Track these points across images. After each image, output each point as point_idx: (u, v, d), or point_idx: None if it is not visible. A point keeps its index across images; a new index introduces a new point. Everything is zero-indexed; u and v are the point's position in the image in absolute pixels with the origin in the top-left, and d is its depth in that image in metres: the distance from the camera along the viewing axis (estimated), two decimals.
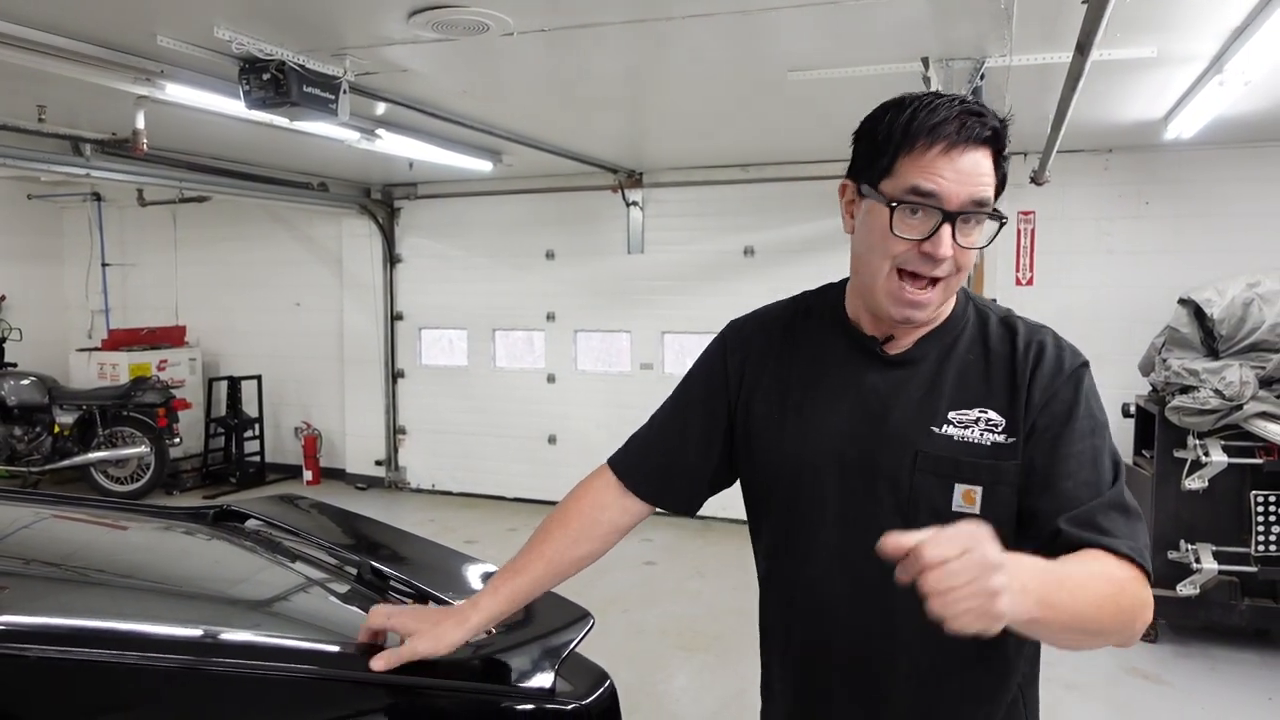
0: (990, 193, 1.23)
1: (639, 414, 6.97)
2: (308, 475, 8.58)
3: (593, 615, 1.80)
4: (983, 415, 1.28)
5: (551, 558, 1.54)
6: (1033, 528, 1.24)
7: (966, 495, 1.26)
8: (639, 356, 7.41)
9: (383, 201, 8.15)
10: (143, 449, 7.84)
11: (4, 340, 8.32)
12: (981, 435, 1.27)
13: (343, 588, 2.06)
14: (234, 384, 8.60)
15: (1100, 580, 1.13)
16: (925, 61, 3.23)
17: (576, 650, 1.76)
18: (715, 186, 6.98)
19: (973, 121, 1.22)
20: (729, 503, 6.09)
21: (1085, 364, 1.31)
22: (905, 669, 1.33)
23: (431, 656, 1.37)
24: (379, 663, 1.35)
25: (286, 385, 8.92)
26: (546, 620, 1.83)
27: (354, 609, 2.01)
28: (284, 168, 7.04)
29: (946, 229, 1.21)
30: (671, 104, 4.96)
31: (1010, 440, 1.26)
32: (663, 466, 1.58)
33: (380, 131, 5.07)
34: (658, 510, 1.63)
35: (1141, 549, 1.19)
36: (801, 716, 1.48)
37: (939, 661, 1.31)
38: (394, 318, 8.34)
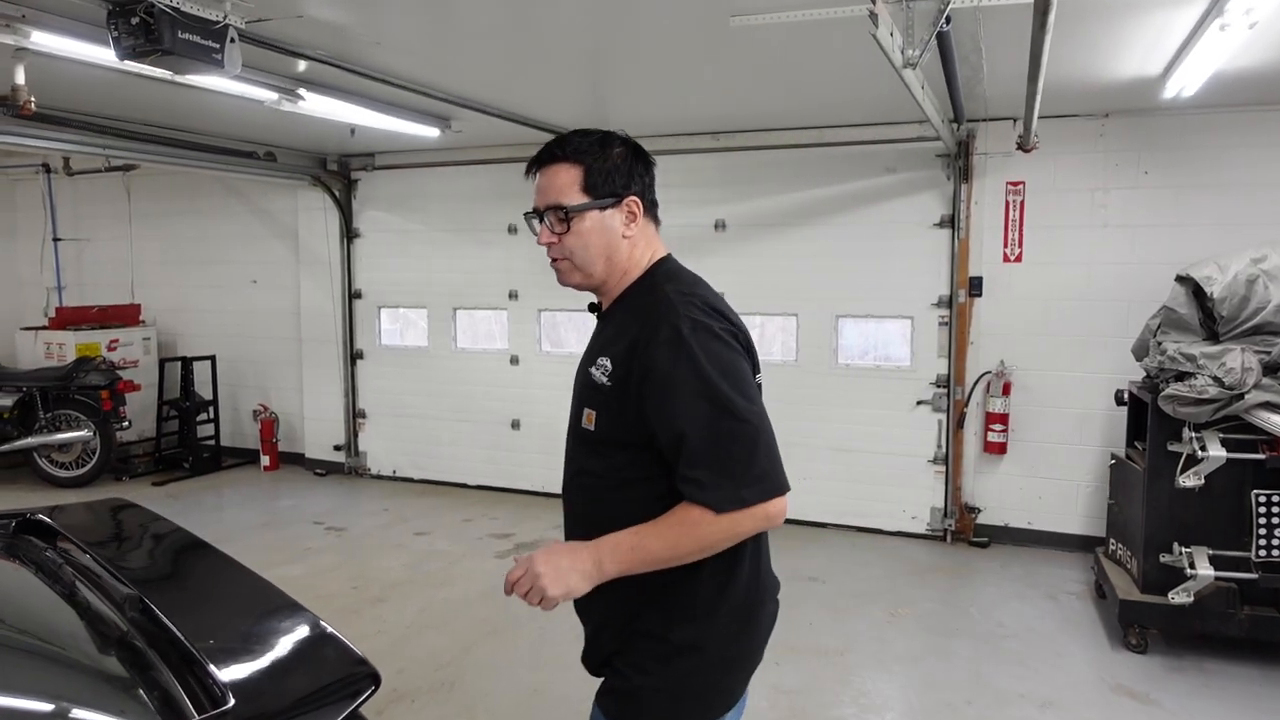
0: (563, 197, 1.72)
1: None
2: (265, 460, 8.21)
3: (379, 675, 1.40)
4: (607, 361, 1.69)
5: None
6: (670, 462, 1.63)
7: (589, 417, 1.72)
8: None
9: (339, 173, 7.71)
10: (86, 433, 7.48)
11: None
12: (601, 376, 1.69)
13: (107, 626, 1.67)
14: (186, 365, 8.21)
15: (675, 533, 1.58)
16: None
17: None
18: (684, 156, 6.52)
19: (543, 151, 1.77)
20: None
21: (682, 332, 1.60)
22: (588, 519, 1.75)
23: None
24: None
25: (244, 366, 8.53)
26: (319, 678, 1.43)
27: (93, 658, 1.62)
28: (222, 134, 6.59)
29: (541, 226, 1.76)
30: (619, 61, 4.52)
31: (610, 383, 1.67)
32: None
33: (302, 91, 4.63)
34: None
35: (719, 493, 1.55)
36: None
37: (589, 516, 1.75)
38: (352, 296, 7.92)
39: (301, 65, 4.30)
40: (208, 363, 8.37)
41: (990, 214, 5.84)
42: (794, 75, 4.62)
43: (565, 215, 1.71)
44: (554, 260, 1.79)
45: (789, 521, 6.80)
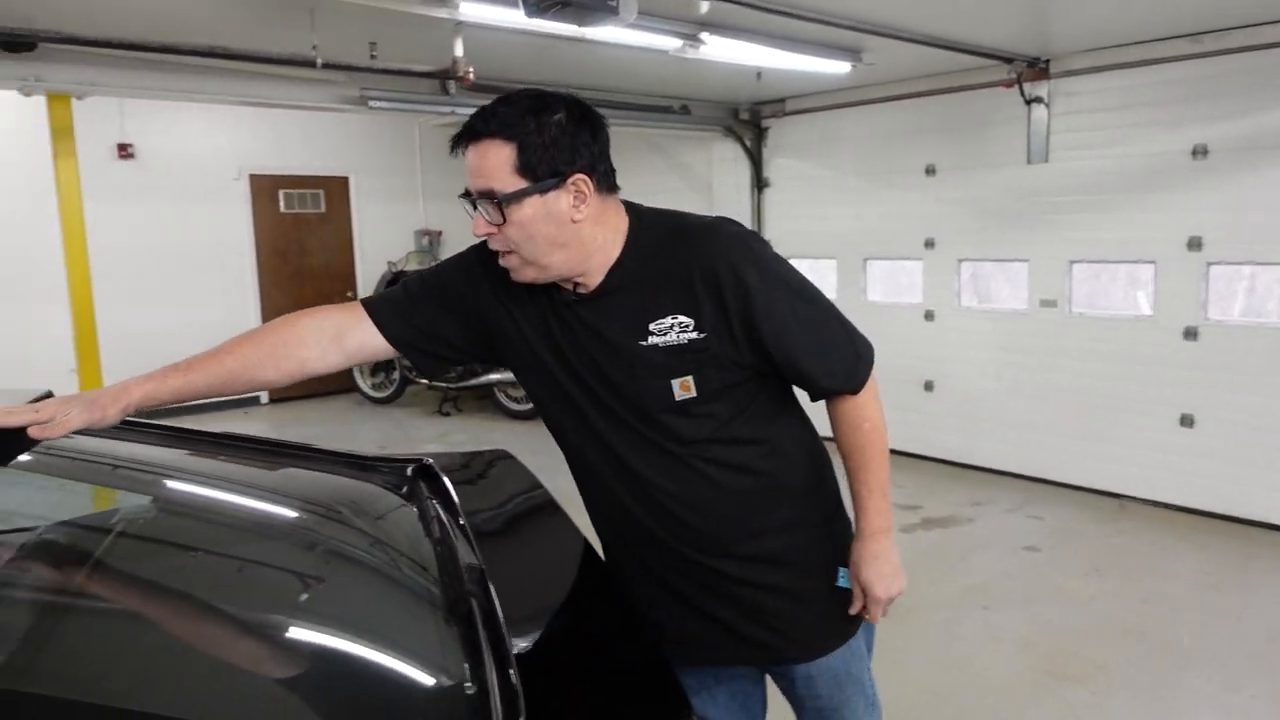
0: (494, 182, 1.45)
1: (1034, 359, 5.75)
2: None
3: (692, 709, 1.12)
4: (675, 321, 1.54)
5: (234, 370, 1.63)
6: (806, 388, 1.66)
7: (683, 385, 1.56)
8: (1038, 291, 6.03)
9: (750, 122, 7.61)
10: None
11: None
12: (679, 337, 1.54)
13: (454, 595, 1.61)
14: None
15: (871, 439, 1.64)
16: None
17: None
18: (1151, 68, 5.28)
19: (465, 125, 1.49)
20: (1153, 477, 4.61)
21: (749, 245, 1.56)
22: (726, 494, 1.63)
23: (89, 426, 1.44)
24: (36, 431, 1.38)
25: None
26: (623, 712, 1.18)
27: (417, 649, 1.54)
28: (637, 91, 6.81)
29: (477, 214, 1.50)
30: None
31: (702, 335, 1.53)
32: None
33: (704, 36, 4.49)
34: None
35: (851, 373, 1.62)
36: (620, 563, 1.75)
37: (693, 498, 1.61)
38: None
39: (704, 7, 4.14)
40: None
41: None
42: None
43: (499, 204, 1.45)
44: (499, 254, 1.54)
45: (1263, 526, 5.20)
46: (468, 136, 1.47)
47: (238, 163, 8.94)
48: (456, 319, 1.69)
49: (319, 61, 4.36)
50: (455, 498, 2.03)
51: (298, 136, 9.17)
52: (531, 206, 1.45)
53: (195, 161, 8.65)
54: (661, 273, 1.55)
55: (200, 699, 1.22)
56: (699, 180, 8.27)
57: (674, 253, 1.55)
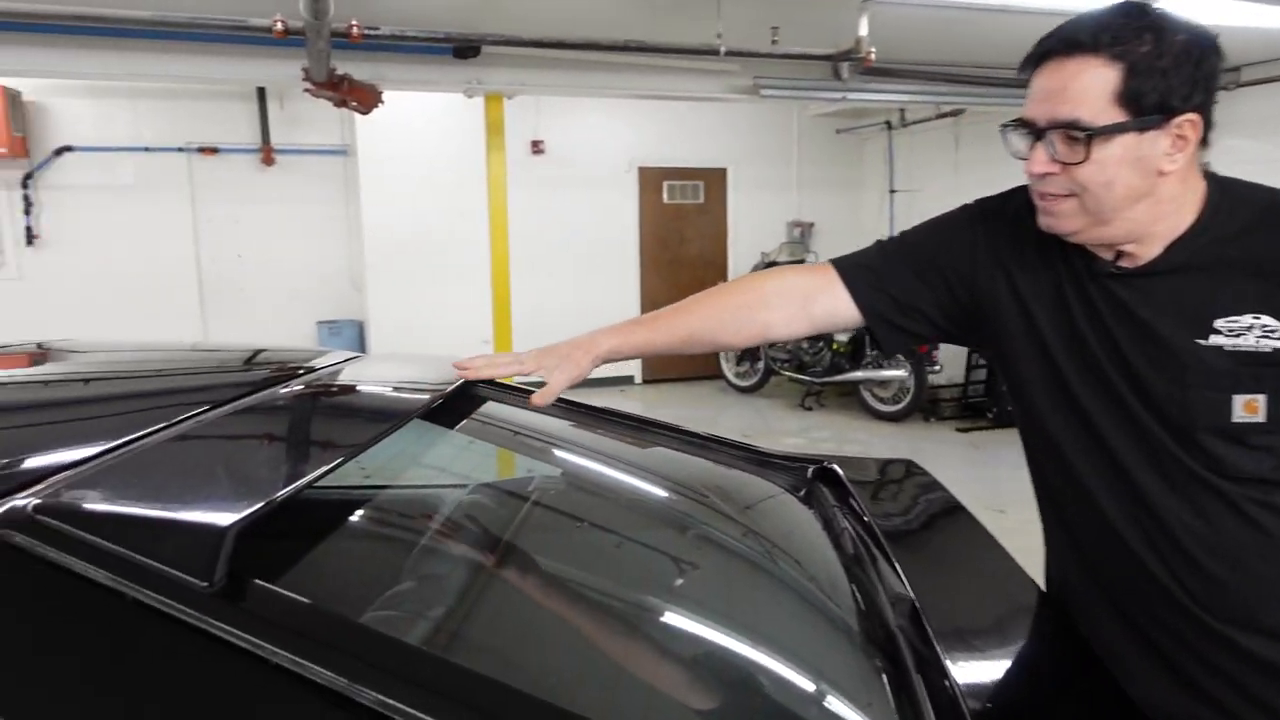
0: (1082, 110, 1.16)
1: None
2: None
3: None
4: (1256, 321, 1.21)
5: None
6: None
7: (1248, 405, 1.23)
8: None
9: None
10: (902, 373, 7.95)
11: (802, 262, 9.32)
12: (1258, 342, 1.20)
13: (874, 622, 1.43)
14: None
15: None
16: None
17: None
18: None
19: (1055, 36, 1.19)
20: None
21: None
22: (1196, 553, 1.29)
23: (570, 384, 1.47)
24: (538, 398, 1.47)
25: None
26: None
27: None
28: None
29: (1037, 148, 1.21)
30: None
31: None
32: None
33: None
34: None
35: None
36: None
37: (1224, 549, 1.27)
38: None
39: None
40: None
41: None
42: None
43: (1087, 138, 1.15)
44: (1046, 195, 1.23)
45: None
46: (1059, 49, 1.17)
47: (628, 156, 9.54)
48: (939, 289, 1.45)
49: (722, 50, 4.40)
50: (865, 510, 1.85)
51: (682, 130, 9.55)
52: (1122, 146, 1.16)
53: (593, 156, 9.37)
54: (1248, 258, 1.22)
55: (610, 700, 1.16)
56: None
57: (1275, 237, 1.22)
